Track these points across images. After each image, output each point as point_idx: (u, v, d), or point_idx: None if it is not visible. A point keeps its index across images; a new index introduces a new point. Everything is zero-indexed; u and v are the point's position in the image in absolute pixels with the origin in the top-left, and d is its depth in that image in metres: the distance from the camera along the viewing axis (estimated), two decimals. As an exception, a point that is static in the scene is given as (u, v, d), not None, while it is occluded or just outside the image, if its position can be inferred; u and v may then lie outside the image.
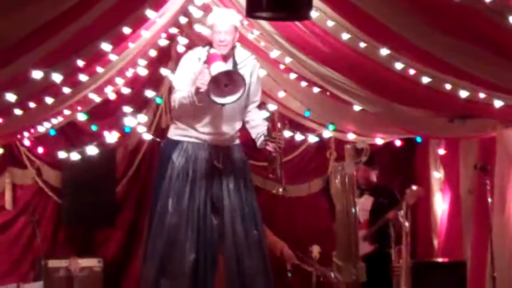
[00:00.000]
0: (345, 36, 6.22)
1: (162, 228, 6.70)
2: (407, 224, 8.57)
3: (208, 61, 6.25)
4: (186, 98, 6.34)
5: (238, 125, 6.87)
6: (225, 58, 6.40)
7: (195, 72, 6.35)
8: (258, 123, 6.95)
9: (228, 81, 6.09)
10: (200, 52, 6.52)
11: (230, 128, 6.82)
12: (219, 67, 6.11)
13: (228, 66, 6.36)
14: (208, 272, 6.79)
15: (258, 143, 6.91)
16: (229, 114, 6.74)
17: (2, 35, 5.12)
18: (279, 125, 6.89)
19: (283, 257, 9.05)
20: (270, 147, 6.72)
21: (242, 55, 6.79)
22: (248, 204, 6.94)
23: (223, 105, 6.38)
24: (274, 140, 6.74)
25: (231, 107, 6.70)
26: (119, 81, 8.25)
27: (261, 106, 7.56)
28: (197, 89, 6.20)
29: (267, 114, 7.52)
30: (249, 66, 6.81)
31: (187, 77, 6.42)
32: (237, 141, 6.98)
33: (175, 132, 6.87)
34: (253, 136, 6.98)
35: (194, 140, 6.78)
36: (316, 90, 7.98)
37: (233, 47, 6.54)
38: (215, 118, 6.67)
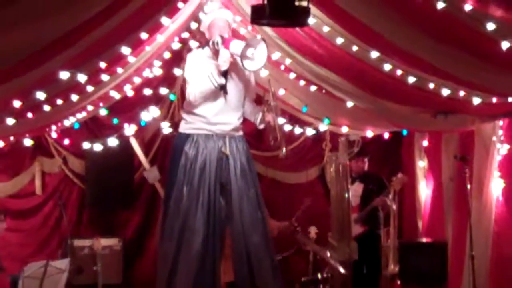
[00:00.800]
0: (339, 40, 6.21)
1: (178, 213, 6.76)
2: (394, 207, 8.60)
3: (225, 42, 6.35)
4: (208, 82, 6.47)
5: (240, 115, 6.96)
6: None
7: (203, 67, 6.50)
8: (253, 109, 7.07)
9: (251, 48, 6.16)
10: (201, 52, 6.71)
11: (235, 117, 6.90)
12: (238, 43, 6.21)
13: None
14: (216, 247, 6.84)
15: (258, 122, 7.00)
16: (233, 102, 6.85)
17: (35, 39, 5.14)
18: (272, 95, 6.97)
19: (280, 231, 9.08)
20: (269, 117, 6.82)
21: None
22: (252, 187, 7.01)
23: (258, 70, 6.50)
24: (271, 109, 6.85)
25: (235, 96, 6.82)
26: (137, 80, 8.26)
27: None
28: (219, 68, 6.38)
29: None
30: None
31: (199, 71, 6.54)
32: (241, 132, 7.06)
33: (185, 127, 6.96)
34: (252, 119, 7.08)
35: (203, 132, 6.86)
36: (313, 88, 7.98)
37: None
38: (222, 107, 6.78)
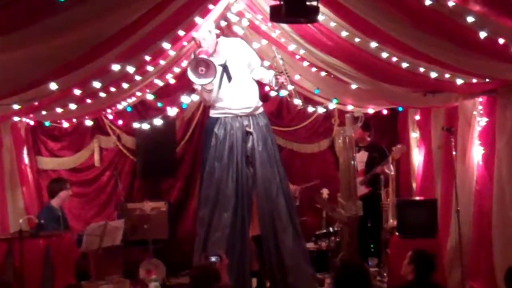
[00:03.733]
0: (344, 33, 6.19)
1: (211, 184, 6.85)
2: (393, 172, 8.61)
3: (199, 54, 6.69)
4: (203, 90, 6.82)
5: (257, 96, 7.02)
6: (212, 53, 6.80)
7: None
8: (265, 75, 7.10)
9: (204, 67, 6.42)
10: None
11: (252, 100, 6.96)
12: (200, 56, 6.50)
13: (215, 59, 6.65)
14: (245, 210, 6.90)
15: (274, 85, 7.06)
16: (244, 87, 6.90)
17: (93, 37, 5.20)
18: (281, 62, 7.06)
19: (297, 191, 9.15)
20: (281, 78, 6.89)
21: (226, 44, 7.02)
22: (273, 158, 7.07)
23: (201, 85, 6.72)
24: (281, 73, 6.93)
25: (244, 82, 6.96)
26: (176, 69, 8.29)
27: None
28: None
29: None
30: (237, 47, 7.02)
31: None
32: (261, 110, 7.11)
33: (214, 112, 7.09)
34: (267, 83, 7.19)
35: (229, 115, 6.92)
36: (323, 73, 7.98)
37: (216, 43, 6.93)
38: (238, 94, 6.84)
